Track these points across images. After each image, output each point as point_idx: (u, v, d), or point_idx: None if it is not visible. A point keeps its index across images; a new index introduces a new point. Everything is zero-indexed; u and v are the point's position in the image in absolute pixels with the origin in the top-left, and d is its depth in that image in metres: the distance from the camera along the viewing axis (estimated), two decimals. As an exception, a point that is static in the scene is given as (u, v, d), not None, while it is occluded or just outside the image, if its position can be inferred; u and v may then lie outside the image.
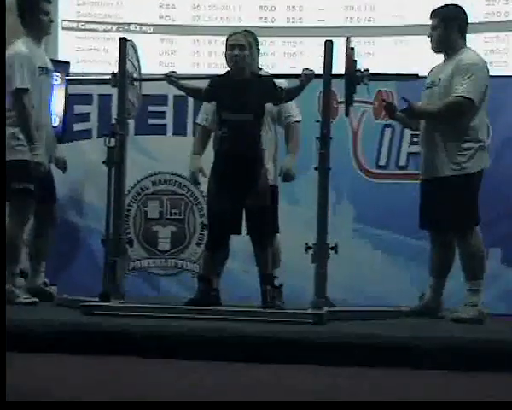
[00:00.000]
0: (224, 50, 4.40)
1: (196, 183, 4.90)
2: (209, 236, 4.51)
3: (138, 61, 4.73)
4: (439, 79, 4.49)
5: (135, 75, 4.64)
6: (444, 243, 4.56)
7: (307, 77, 4.34)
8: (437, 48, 4.60)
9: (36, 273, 4.91)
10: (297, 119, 4.81)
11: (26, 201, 4.67)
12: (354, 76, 4.30)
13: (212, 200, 4.43)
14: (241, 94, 4.33)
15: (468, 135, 4.40)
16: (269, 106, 4.55)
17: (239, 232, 4.41)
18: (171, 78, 4.50)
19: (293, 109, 4.79)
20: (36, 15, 4.76)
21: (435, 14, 4.58)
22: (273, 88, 4.41)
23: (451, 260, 4.59)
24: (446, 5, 4.67)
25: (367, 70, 4.33)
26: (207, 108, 4.77)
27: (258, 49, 4.73)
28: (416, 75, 4.52)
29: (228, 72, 4.44)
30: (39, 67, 4.71)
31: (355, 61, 4.32)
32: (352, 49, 4.32)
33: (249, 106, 4.31)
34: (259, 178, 4.33)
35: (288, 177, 4.73)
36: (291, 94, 4.49)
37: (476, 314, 4.31)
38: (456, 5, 4.68)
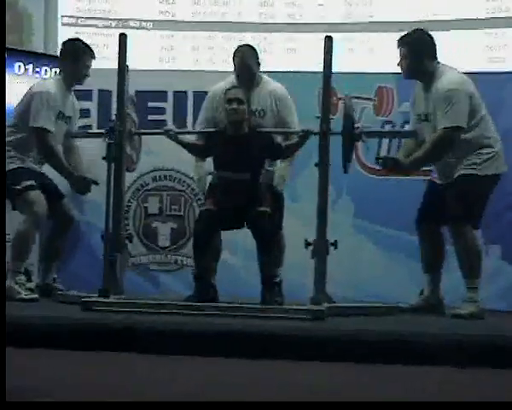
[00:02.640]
0: (224, 103, 4.44)
1: (204, 189, 4.85)
2: (194, 237, 4.53)
3: (137, 114, 4.74)
4: (428, 114, 4.44)
5: (133, 128, 4.64)
6: (434, 236, 4.56)
7: (305, 133, 4.38)
8: (410, 76, 4.58)
9: (47, 271, 4.92)
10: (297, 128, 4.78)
11: (30, 197, 4.67)
12: (352, 134, 4.30)
13: (204, 211, 4.50)
14: (238, 152, 4.36)
15: (480, 143, 4.39)
16: (272, 113, 4.59)
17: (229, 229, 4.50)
18: (169, 132, 4.54)
19: (295, 119, 4.75)
20: (76, 66, 4.82)
21: (402, 43, 4.51)
22: (272, 144, 4.46)
23: (443, 253, 4.59)
24: (411, 32, 4.57)
25: (365, 127, 4.41)
26: (206, 117, 4.76)
27: (259, 63, 4.72)
28: (414, 132, 4.54)
29: (225, 127, 4.45)
30: (59, 112, 4.76)
31: (353, 118, 4.32)
32: (351, 106, 4.34)
33: (246, 164, 4.34)
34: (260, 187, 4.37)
35: (280, 185, 4.72)
36: (289, 150, 4.53)
37: (476, 310, 4.31)
38: (421, 29, 4.60)
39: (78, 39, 5.00)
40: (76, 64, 4.81)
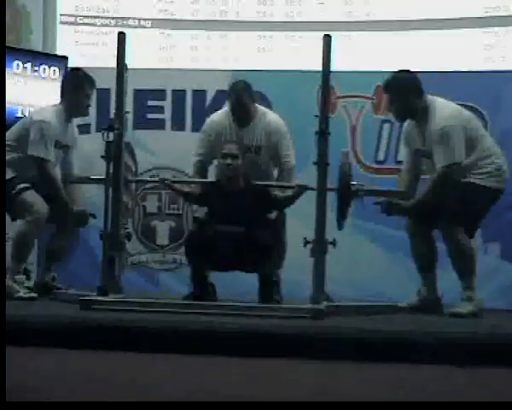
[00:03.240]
0: (218, 158, 4.48)
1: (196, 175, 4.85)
2: (186, 243, 4.56)
3: (135, 161, 4.74)
4: (426, 152, 4.45)
5: (130, 176, 4.64)
6: (425, 237, 4.57)
7: (301, 188, 4.41)
8: (401, 118, 4.63)
9: (47, 270, 4.91)
10: (293, 163, 4.78)
11: (27, 197, 4.66)
12: (349, 192, 4.32)
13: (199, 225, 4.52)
14: (233, 207, 4.35)
15: (481, 160, 4.41)
16: (268, 148, 4.65)
17: None
18: (166, 182, 4.59)
19: (291, 153, 4.77)
20: (77, 96, 4.82)
21: (387, 89, 4.55)
22: (268, 198, 4.47)
23: (435, 253, 4.60)
24: (393, 76, 4.56)
25: (362, 185, 4.43)
26: (204, 150, 4.77)
27: (254, 99, 4.72)
28: (406, 192, 4.54)
29: (219, 180, 4.46)
30: (57, 141, 4.76)
31: (350, 176, 4.32)
32: (348, 163, 4.35)
33: (242, 219, 4.32)
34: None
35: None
36: (285, 203, 4.55)
37: (474, 309, 4.32)
38: (402, 71, 4.58)
39: (79, 69, 5.00)
40: (76, 94, 4.81)
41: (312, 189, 4.32)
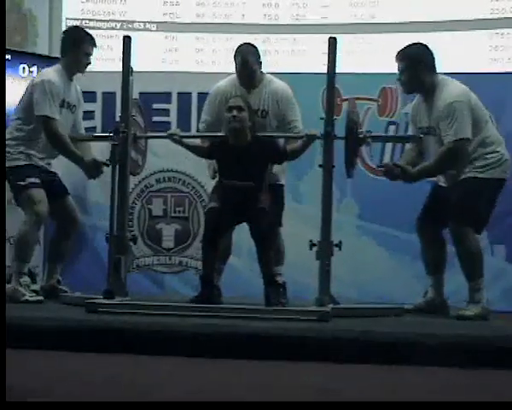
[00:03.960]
0: (224, 112, 4.41)
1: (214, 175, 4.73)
2: (204, 234, 4.52)
3: (143, 118, 4.73)
4: (431, 128, 4.44)
5: (138, 132, 4.63)
6: (436, 239, 4.56)
7: (310, 138, 4.35)
8: (409, 90, 4.60)
9: (51, 273, 4.92)
10: (301, 128, 4.74)
11: (34, 194, 4.68)
12: (356, 139, 4.30)
13: (210, 202, 4.46)
14: (241, 162, 4.32)
15: (483, 150, 4.39)
16: (274, 113, 4.57)
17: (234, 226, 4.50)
18: (173, 136, 4.53)
19: (299, 119, 4.70)
20: (77, 54, 4.82)
21: (401, 57, 4.51)
22: (275, 150, 4.43)
23: (445, 254, 4.59)
24: (409, 46, 4.56)
25: (369, 132, 4.36)
26: (210, 116, 4.75)
27: (260, 62, 4.70)
28: (419, 137, 4.51)
29: (227, 134, 4.44)
30: (62, 99, 4.76)
31: (357, 123, 4.31)
32: (354, 111, 4.33)
33: (250, 173, 4.31)
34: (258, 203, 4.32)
35: (281, 178, 4.67)
36: (294, 154, 4.48)
37: (480, 311, 4.31)
38: (419, 43, 4.58)
39: (78, 27, 5.01)
40: (76, 52, 4.80)
41: (321, 137, 4.28)
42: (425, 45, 4.55)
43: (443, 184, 4.58)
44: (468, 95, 4.45)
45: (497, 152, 4.43)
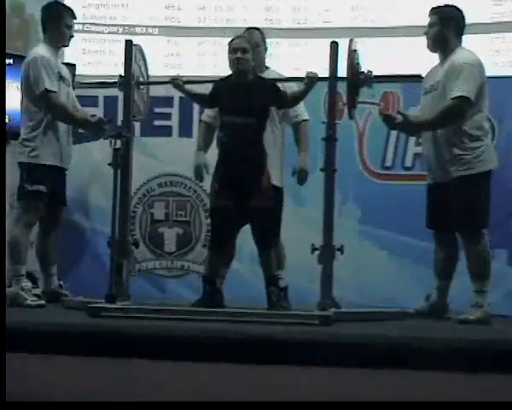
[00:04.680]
0: (227, 54, 4.41)
1: (201, 178, 4.84)
2: (211, 236, 4.52)
3: (146, 65, 4.74)
4: (438, 82, 4.47)
5: (141, 79, 4.65)
6: (449, 243, 4.55)
7: (311, 80, 4.33)
8: (433, 46, 4.61)
9: (48, 277, 4.93)
10: (305, 117, 4.79)
11: (35, 202, 4.70)
12: (357, 79, 4.29)
13: (214, 200, 4.43)
14: (243, 97, 4.31)
15: (473, 135, 4.39)
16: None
17: (239, 228, 4.45)
18: (176, 81, 4.50)
19: (300, 108, 4.77)
20: (58, 27, 4.86)
21: (434, 11, 4.60)
22: (277, 92, 4.40)
23: (456, 260, 4.59)
24: (446, 5, 4.67)
25: (370, 72, 4.33)
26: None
27: (266, 48, 4.72)
28: (419, 76, 4.50)
29: (230, 75, 4.44)
30: (58, 72, 4.77)
31: (358, 63, 4.31)
32: (355, 51, 4.31)
33: (251, 109, 4.29)
34: (262, 179, 4.32)
35: (301, 176, 4.70)
36: (295, 98, 4.48)
37: (483, 316, 4.30)
38: (456, 6, 4.66)
39: (55, 1, 5.06)
40: (57, 25, 4.85)
41: (323, 79, 4.29)
42: (460, 10, 4.62)
43: (431, 181, 4.56)
44: (481, 64, 4.49)
45: (483, 141, 4.43)
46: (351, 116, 4.43)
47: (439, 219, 4.50)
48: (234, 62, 4.37)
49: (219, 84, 4.48)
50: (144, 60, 4.72)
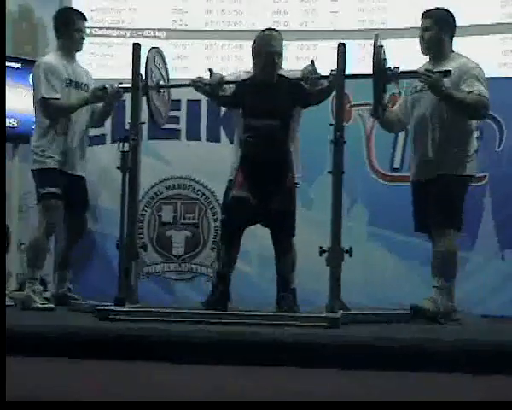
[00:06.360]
0: (256, 54, 4.33)
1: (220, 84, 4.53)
2: (223, 228, 4.48)
3: (166, 68, 4.75)
4: (424, 87, 4.46)
5: (162, 82, 4.65)
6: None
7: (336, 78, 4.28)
8: (428, 49, 4.62)
9: (62, 281, 4.95)
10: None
11: (49, 204, 4.71)
12: (384, 75, 4.27)
13: (236, 189, 4.33)
14: (268, 98, 4.27)
15: (463, 139, 4.41)
16: None
17: (250, 225, 4.39)
18: (197, 83, 4.49)
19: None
20: (70, 32, 4.93)
21: (428, 15, 4.60)
22: (301, 90, 4.36)
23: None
24: (438, 8, 4.66)
25: (397, 68, 4.31)
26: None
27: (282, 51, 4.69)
28: (449, 71, 4.46)
29: (254, 75, 4.40)
30: (66, 79, 4.78)
31: (384, 59, 4.29)
32: (381, 46, 4.29)
33: (276, 110, 4.26)
34: (286, 181, 4.30)
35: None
36: (321, 96, 4.43)
37: (436, 309, 4.36)
38: (447, 9, 4.66)
39: (66, 7, 5.16)
40: (68, 30, 4.91)
41: (349, 77, 4.26)
42: (451, 13, 4.63)
43: (415, 179, 4.56)
44: (482, 71, 4.52)
45: (471, 147, 4.47)
46: (376, 114, 4.41)
47: (424, 220, 4.50)
48: (270, 66, 4.30)
49: (242, 84, 4.43)
50: (164, 63, 4.74)
